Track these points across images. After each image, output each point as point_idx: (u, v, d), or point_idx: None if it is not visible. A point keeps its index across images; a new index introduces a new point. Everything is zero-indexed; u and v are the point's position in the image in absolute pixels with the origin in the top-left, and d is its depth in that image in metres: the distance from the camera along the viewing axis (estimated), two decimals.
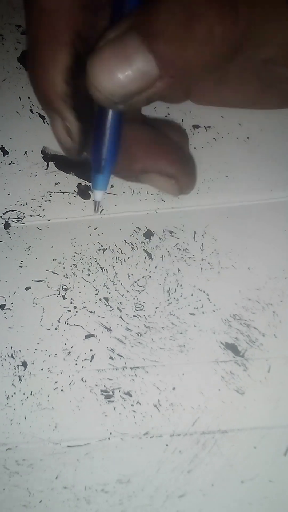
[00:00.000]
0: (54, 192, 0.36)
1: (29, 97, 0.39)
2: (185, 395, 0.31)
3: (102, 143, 0.26)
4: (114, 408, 0.31)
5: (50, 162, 0.37)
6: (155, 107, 0.36)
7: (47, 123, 0.38)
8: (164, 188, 0.31)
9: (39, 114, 0.38)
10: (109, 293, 0.33)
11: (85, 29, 0.23)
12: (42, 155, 0.37)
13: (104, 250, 0.34)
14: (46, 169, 0.37)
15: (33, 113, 0.39)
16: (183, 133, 0.33)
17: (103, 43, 0.21)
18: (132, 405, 0.31)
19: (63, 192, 0.36)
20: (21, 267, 0.34)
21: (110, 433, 0.31)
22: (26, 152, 0.38)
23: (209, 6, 0.19)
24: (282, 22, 0.21)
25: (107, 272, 0.34)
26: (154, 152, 0.29)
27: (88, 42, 0.23)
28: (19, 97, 0.39)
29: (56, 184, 0.37)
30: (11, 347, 0.32)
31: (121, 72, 0.20)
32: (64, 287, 0.34)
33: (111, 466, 0.30)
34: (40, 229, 0.35)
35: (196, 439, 0.30)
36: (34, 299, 0.33)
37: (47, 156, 0.37)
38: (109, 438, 0.31)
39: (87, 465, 0.30)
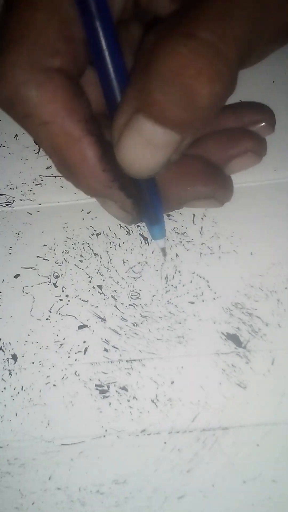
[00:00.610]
0: (46, 176, 0.34)
1: None
2: (184, 389, 0.29)
3: (150, 200, 0.26)
4: (110, 404, 0.29)
5: None
6: None
7: None
8: (206, 206, 0.31)
9: None
10: (103, 280, 0.32)
11: (89, 110, 0.23)
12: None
13: (97, 234, 0.33)
14: (38, 152, 0.35)
15: None
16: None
17: (118, 134, 0.21)
18: (129, 401, 0.29)
19: (55, 176, 0.34)
20: (10, 253, 0.33)
21: (106, 431, 0.29)
22: (16, 135, 0.36)
23: (200, 76, 0.19)
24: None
25: (101, 258, 0.32)
26: (183, 181, 0.28)
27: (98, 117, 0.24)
28: None
29: (48, 168, 0.35)
30: (0, 339, 0.31)
31: (150, 155, 0.21)
32: (56, 274, 0.32)
33: (107, 466, 0.29)
34: (31, 214, 0.33)
35: (196, 436, 0.28)
36: (23, 287, 0.32)
37: None
38: (104, 436, 0.29)
39: (82, 464, 0.29)
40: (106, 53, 0.21)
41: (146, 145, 0.21)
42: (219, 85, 0.19)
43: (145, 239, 0.32)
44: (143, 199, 0.26)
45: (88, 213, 0.33)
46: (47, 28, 0.21)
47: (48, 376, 0.30)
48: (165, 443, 0.28)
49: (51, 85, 0.21)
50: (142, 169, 0.22)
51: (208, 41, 0.18)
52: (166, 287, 0.31)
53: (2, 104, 0.22)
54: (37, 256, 0.32)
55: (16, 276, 0.32)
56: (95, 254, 0.32)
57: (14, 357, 0.31)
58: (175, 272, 0.31)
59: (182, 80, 0.18)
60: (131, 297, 0.31)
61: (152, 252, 0.32)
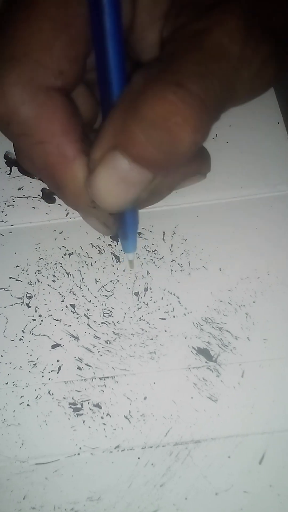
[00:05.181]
0: (18, 197, 0.35)
1: None
2: (156, 404, 0.30)
3: (126, 217, 0.27)
4: (83, 422, 0.29)
5: (13, 167, 0.36)
6: None
7: None
8: (193, 183, 0.31)
9: None
10: (76, 299, 0.32)
11: (83, 128, 0.23)
12: (5, 160, 0.36)
13: (70, 254, 0.33)
14: (9, 174, 0.36)
15: None
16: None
17: (92, 168, 0.21)
18: (102, 418, 0.30)
19: (27, 197, 0.35)
20: None
21: (80, 448, 0.29)
22: None
23: (185, 124, 0.19)
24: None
25: (73, 277, 0.32)
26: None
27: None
28: None
29: (19, 189, 0.35)
30: None
31: (122, 191, 0.21)
32: (28, 294, 0.32)
33: (81, 483, 0.29)
34: (3, 235, 0.34)
35: (169, 450, 0.29)
36: None
37: (10, 161, 0.36)
38: (78, 454, 0.29)
39: (56, 483, 0.29)
40: (115, 71, 0.21)
41: (119, 182, 0.21)
42: (199, 135, 0.19)
43: (117, 257, 0.33)
44: (119, 217, 0.27)
45: (60, 233, 0.34)
46: (53, 47, 0.20)
47: (22, 396, 0.30)
48: (138, 458, 0.29)
49: (51, 106, 0.21)
50: (113, 204, 0.22)
51: (196, 92, 0.19)
52: (137, 304, 0.32)
53: None
54: (10, 277, 0.33)
55: None
56: (67, 273, 0.33)
57: None
58: (146, 289, 0.32)
59: (168, 126, 0.19)
60: (103, 315, 0.32)
61: (124, 270, 0.32)
